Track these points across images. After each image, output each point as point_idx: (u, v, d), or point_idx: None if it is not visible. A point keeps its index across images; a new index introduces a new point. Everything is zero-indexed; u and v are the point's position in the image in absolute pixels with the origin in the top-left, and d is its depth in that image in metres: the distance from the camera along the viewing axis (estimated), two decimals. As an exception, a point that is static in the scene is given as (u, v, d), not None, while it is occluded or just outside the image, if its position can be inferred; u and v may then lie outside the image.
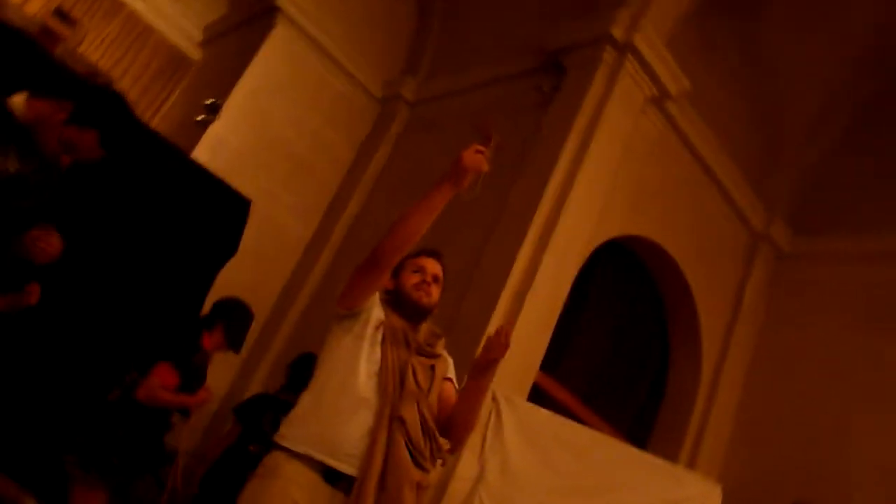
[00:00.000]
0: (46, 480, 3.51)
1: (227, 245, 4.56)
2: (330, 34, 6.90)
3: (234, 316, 3.94)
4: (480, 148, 2.34)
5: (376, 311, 2.45)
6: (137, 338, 3.96)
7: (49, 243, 2.78)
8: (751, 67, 6.34)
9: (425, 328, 2.56)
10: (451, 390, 2.56)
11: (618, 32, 5.35)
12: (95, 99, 2.72)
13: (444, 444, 2.41)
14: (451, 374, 2.60)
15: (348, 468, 2.24)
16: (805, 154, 6.76)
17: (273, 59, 6.56)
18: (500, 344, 2.41)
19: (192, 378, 3.70)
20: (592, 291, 5.93)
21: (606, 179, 5.31)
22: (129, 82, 7.90)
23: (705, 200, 6.42)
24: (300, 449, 2.26)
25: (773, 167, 6.74)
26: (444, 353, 2.58)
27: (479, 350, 2.47)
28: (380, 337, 2.40)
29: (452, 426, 2.48)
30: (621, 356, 6.24)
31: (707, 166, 6.32)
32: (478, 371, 2.46)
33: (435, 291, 2.52)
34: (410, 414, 2.31)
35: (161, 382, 3.53)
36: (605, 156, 5.27)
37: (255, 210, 4.83)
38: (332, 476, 2.25)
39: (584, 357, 5.94)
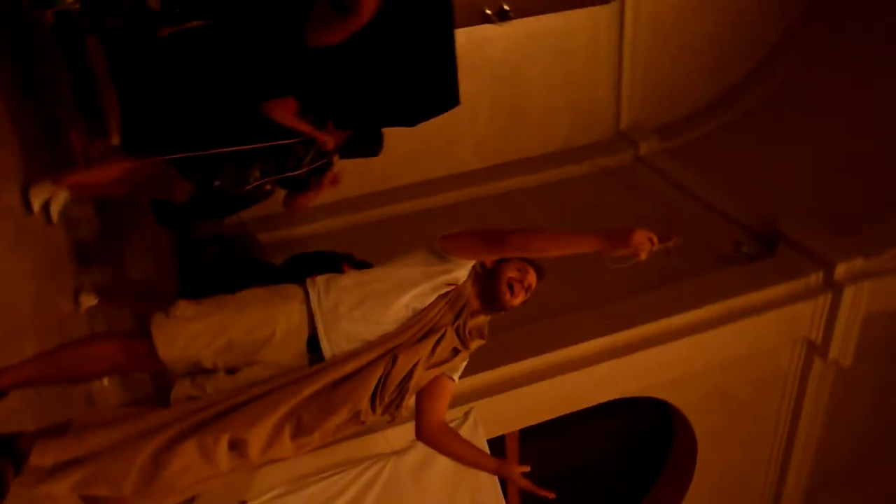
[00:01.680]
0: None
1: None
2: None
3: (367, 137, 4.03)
4: (654, 238, 2.32)
5: (460, 272, 2.50)
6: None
7: None
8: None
9: (482, 320, 2.59)
10: (445, 386, 2.59)
11: (840, 272, 5.20)
12: None
13: (404, 410, 2.46)
14: (457, 374, 2.63)
15: (327, 352, 2.35)
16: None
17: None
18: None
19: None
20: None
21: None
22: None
23: None
24: (314, 305, 2.37)
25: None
26: (468, 352, 2.61)
27: None
28: (444, 291, 2.46)
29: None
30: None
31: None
32: None
33: (519, 298, 2.53)
34: (404, 363, 2.36)
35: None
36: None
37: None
38: (313, 344, 2.36)
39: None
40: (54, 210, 3.23)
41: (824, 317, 5.34)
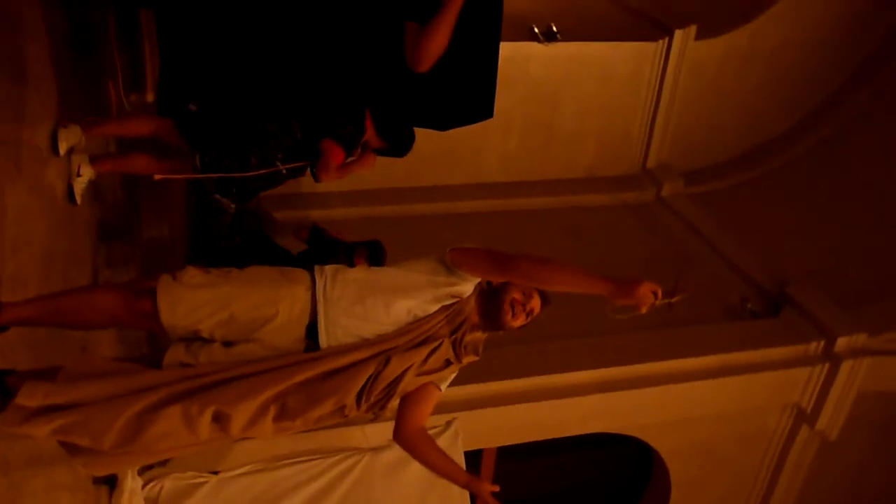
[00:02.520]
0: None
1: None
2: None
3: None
4: (658, 292, 2.32)
5: (465, 287, 2.51)
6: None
7: None
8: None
9: (479, 336, 2.61)
10: (431, 394, 2.60)
11: (841, 344, 5.20)
12: None
13: (387, 411, 2.48)
14: (445, 385, 2.65)
15: (324, 342, 2.37)
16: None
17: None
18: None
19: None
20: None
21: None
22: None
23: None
24: (318, 294, 2.39)
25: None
26: (460, 366, 2.62)
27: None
28: (447, 303, 2.48)
29: None
30: None
31: None
32: None
33: (520, 320, 2.55)
34: (396, 366, 2.38)
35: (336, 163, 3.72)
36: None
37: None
38: (312, 331, 2.38)
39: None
40: (78, 187, 3.25)
41: (818, 386, 5.32)
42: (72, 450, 2.26)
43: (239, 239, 4.71)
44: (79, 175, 3.23)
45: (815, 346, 5.30)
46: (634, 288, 2.31)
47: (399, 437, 2.59)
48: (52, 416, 2.13)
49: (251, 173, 3.48)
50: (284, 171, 3.62)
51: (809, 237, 6.46)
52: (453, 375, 2.66)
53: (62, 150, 3.12)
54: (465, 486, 2.60)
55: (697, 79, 6.87)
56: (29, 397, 2.12)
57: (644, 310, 2.34)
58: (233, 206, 3.63)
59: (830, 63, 7.17)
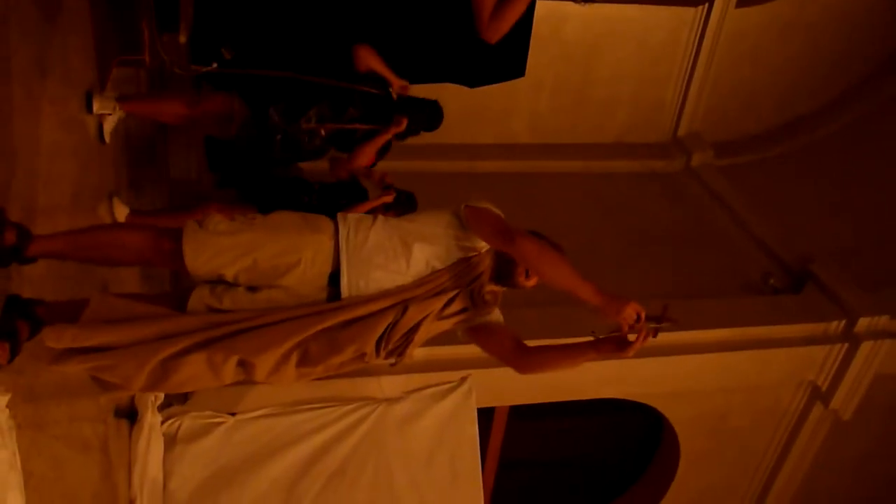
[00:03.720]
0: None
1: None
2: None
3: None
4: (642, 314, 2.29)
5: (482, 242, 2.52)
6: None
7: None
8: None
9: (497, 288, 2.62)
10: (495, 327, 2.58)
11: (862, 325, 5.18)
12: None
13: (408, 358, 2.50)
14: (490, 318, 2.61)
15: (345, 290, 2.39)
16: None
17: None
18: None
19: None
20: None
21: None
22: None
23: None
24: (342, 242, 2.41)
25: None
26: (493, 313, 2.61)
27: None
28: (463, 256, 2.49)
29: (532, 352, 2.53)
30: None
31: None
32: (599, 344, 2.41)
33: (533, 281, 2.56)
34: (414, 314, 2.40)
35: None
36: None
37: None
38: (334, 280, 2.40)
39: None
40: (108, 126, 3.28)
41: (836, 366, 5.29)
42: (103, 385, 2.32)
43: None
44: (109, 114, 3.26)
45: (836, 326, 5.26)
46: (622, 305, 2.28)
47: (521, 368, 2.57)
48: (83, 358, 2.19)
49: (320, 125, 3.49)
50: (319, 142, 3.65)
51: (836, 216, 6.37)
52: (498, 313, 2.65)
53: (95, 108, 3.17)
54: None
55: (735, 48, 6.71)
56: (57, 340, 2.18)
57: (625, 330, 2.30)
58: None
59: (870, 42, 7.00)
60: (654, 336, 2.33)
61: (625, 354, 2.35)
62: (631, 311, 2.28)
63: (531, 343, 2.58)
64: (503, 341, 2.58)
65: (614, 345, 2.37)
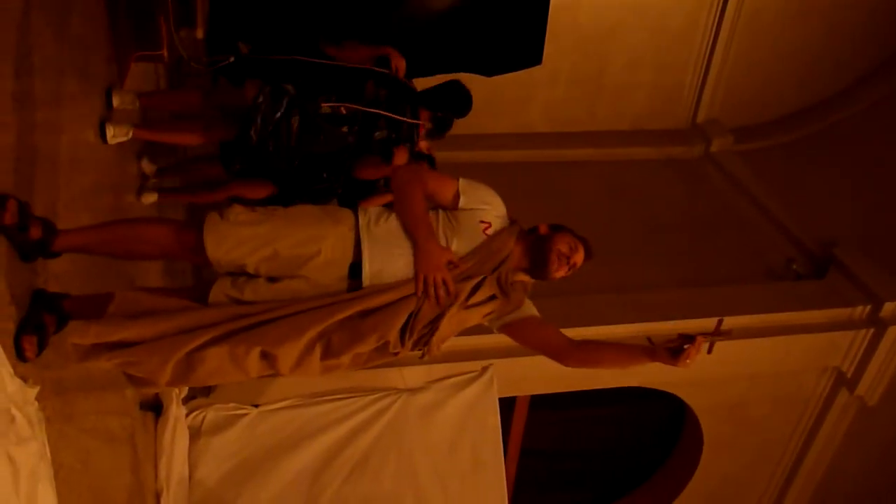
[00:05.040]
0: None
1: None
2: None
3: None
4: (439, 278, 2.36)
5: (483, 211, 2.53)
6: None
7: None
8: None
9: (526, 278, 2.61)
10: (534, 322, 2.59)
11: (888, 310, 5.13)
12: None
13: (434, 350, 2.49)
14: (531, 311, 2.62)
15: (367, 280, 2.38)
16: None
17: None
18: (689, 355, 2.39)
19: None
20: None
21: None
22: None
23: None
24: (362, 232, 2.41)
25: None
26: (524, 302, 2.61)
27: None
28: (482, 239, 2.48)
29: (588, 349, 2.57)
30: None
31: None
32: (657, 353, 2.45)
33: (562, 272, 2.55)
34: (435, 304, 2.40)
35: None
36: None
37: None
38: (354, 270, 2.40)
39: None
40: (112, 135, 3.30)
41: (861, 351, 5.25)
42: (134, 380, 2.35)
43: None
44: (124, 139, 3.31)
45: (861, 311, 5.21)
46: (435, 259, 2.37)
47: (569, 362, 2.58)
48: (110, 354, 2.22)
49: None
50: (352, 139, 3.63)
51: (858, 199, 6.29)
52: (527, 310, 2.63)
53: (115, 103, 3.19)
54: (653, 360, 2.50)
55: (754, 32, 6.63)
56: (82, 337, 2.20)
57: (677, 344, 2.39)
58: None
59: (888, 25, 6.88)
60: (710, 352, 2.36)
61: (679, 364, 2.38)
62: (436, 272, 2.34)
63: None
64: (546, 335, 2.59)
65: (669, 354, 2.40)
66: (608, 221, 5.80)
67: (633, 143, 6.94)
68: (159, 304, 2.34)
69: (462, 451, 4.39)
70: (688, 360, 2.38)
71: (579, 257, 2.56)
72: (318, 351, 2.31)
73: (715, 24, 6.50)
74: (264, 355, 2.28)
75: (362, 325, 2.32)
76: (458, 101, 3.88)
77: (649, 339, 2.47)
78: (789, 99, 7.21)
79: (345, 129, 3.57)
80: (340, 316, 2.31)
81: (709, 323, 4.75)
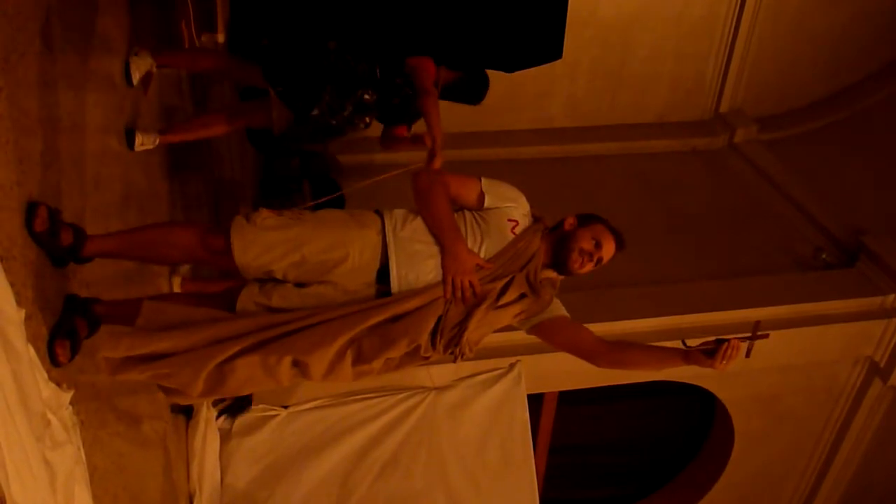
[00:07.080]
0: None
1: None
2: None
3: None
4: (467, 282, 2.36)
5: (508, 208, 2.53)
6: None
7: None
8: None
9: (554, 275, 2.59)
10: (564, 322, 2.58)
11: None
12: None
13: (466, 352, 2.47)
14: (561, 311, 2.60)
15: (395, 285, 2.37)
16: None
17: None
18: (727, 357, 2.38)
19: None
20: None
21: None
22: None
23: None
24: (389, 237, 2.40)
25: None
26: (553, 302, 2.59)
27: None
28: (510, 239, 2.47)
29: (624, 351, 2.57)
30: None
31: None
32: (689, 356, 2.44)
33: (587, 268, 2.52)
34: (462, 306, 2.38)
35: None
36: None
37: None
38: (382, 275, 2.39)
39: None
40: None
41: (894, 340, 5.15)
42: (168, 392, 2.37)
43: (307, 182, 4.73)
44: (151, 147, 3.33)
45: (893, 299, 5.12)
46: (463, 264, 2.36)
47: (603, 363, 2.57)
48: (142, 367, 2.23)
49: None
50: (368, 120, 3.62)
51: (885, 188, 6.18)
52: (555, 309, 2.62)
53: (135, 79, 3.19)
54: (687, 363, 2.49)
55: (776, 19, 6.54)
56: (113, 350, 2.22)
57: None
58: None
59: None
60: (748, 355, 2.33)
61: (717, 366, 2.37)
62: (465, 275, 2.34)
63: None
64: (577, 336, 2.58)
65: (704, 357, 2.38)
66: (633, 215, 5.74)
67: (656, 136, 6.87)
68: (188, 314, 2.34)
69: (491, 448, 4.38)
70: (724, 362, 2.35)
71: (607, 252, 2.53)
72: (349, 357, 2.30)
73: (736, 11, 6.42)
74: (296, 363, 2.29)
75: (392, 330, 2.31)
76: (477, 84, 3.95)
77: (684, 341, 2.45)
78: (814, 87, 7.11)
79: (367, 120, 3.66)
80: (370, 322, 2.30)
81: (738, 315, 4.79)
